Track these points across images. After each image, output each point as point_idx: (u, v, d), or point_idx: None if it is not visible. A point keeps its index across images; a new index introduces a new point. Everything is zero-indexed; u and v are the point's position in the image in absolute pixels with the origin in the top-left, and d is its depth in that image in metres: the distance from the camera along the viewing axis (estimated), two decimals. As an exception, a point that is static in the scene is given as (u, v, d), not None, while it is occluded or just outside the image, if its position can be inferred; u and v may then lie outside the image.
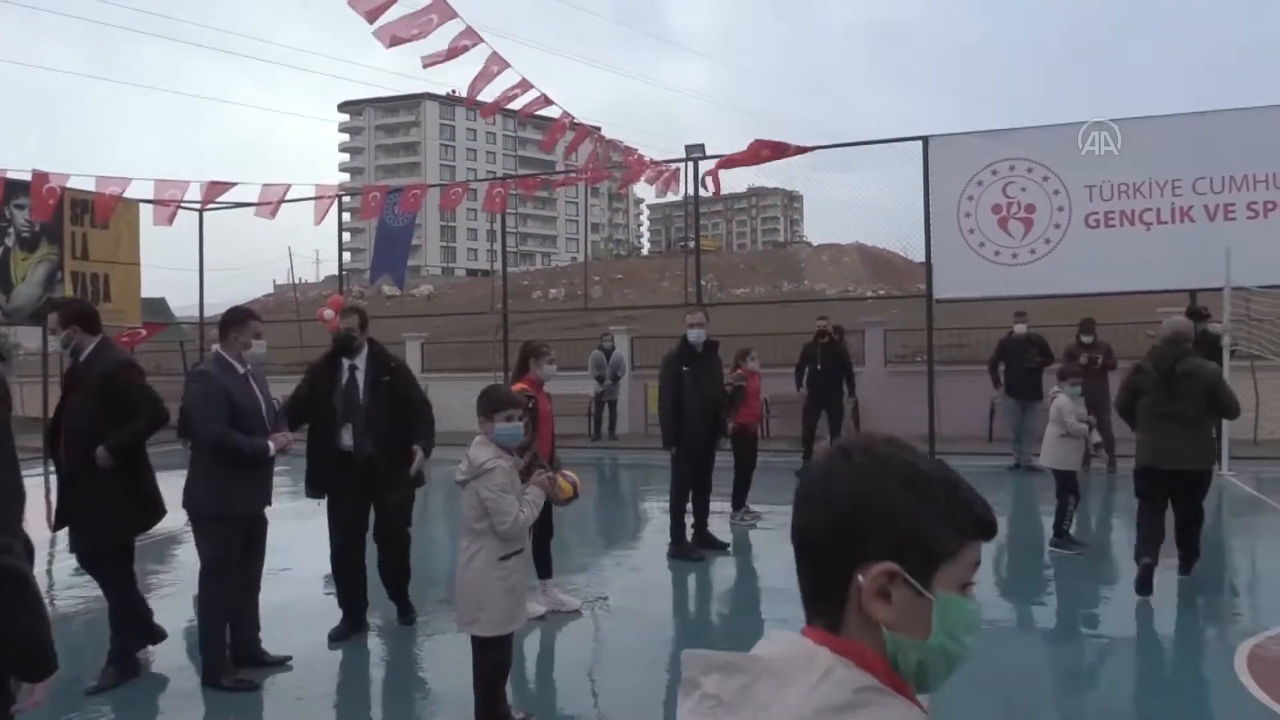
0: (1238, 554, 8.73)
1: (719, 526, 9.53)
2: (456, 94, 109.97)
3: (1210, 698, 4.88)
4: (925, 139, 14.07)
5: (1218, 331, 11.78)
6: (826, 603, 1.10)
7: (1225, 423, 11.65)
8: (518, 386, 6.07)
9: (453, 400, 13.76)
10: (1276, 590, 7.25)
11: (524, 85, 10.77)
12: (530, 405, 5.91)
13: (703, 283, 18.55)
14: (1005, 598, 6.91)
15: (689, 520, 8.28)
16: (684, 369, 8.14)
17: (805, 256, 78.35)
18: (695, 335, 8.22)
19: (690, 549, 8.09)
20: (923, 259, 14.30)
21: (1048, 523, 8.29)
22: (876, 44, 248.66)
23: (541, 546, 6.55)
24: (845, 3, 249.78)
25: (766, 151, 14.07)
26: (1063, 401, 7.96)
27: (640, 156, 14.78)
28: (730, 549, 8.40)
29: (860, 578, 1.07)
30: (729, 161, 14.30)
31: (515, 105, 11.15)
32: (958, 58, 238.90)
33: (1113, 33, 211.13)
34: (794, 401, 14.56)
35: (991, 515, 1.12)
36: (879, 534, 1.07)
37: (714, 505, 9.45)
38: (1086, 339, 12.07)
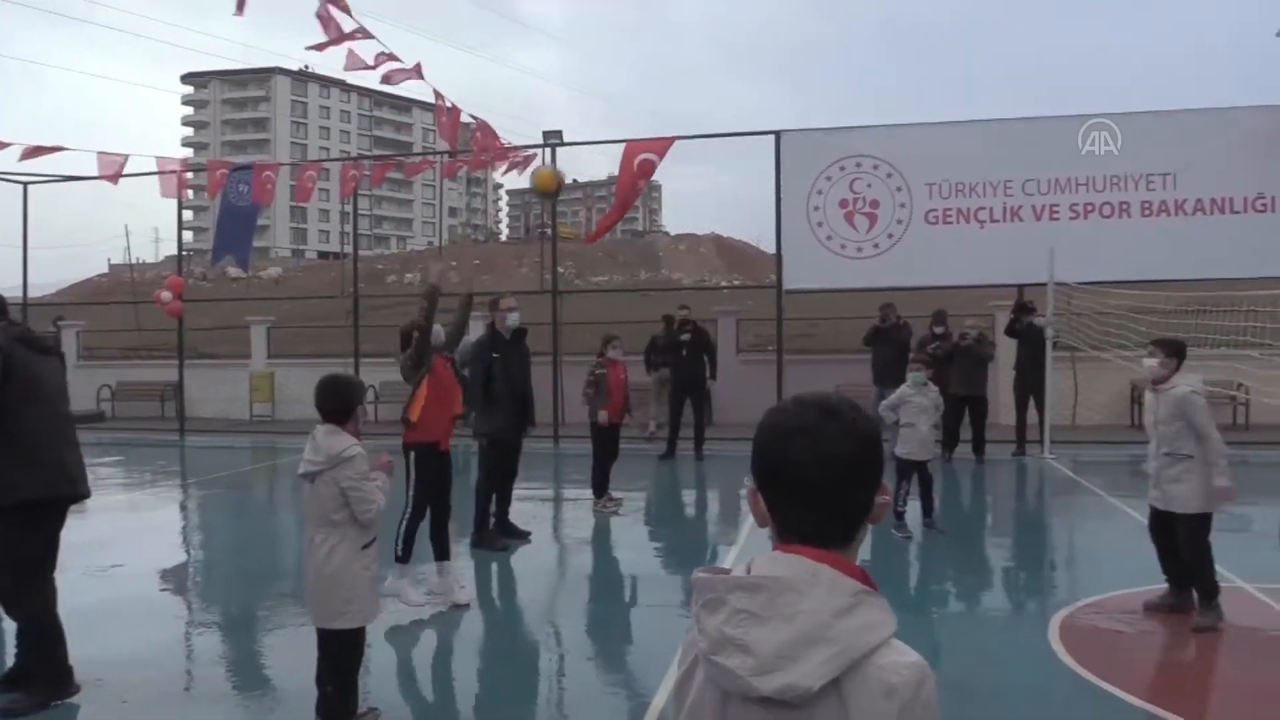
0: (1055, 532, 9.38)
1: (580, 514, 9.61)
2: (310, 69, 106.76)
3: (1024, 666, 5.22)
4: (777, 134, 14.45)
5: (1041, 324, 12.60)
6: (837, 525, 1.38)
7: (1046, 409, 12.56)
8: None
9: (299, 387, 13.33)
10: (1088, 564, 7.82)
11: (391, 57, 10.43)
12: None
13: (560, 270, 18.55)
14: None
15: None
16: (494, 356, 7.95)
17: (663, 246, 79.27)
18: (514, 319, 8.07)
19: (494, 538, 7.98)
20: (775, 251, 14.71)
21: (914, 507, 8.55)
22: (727, 37, 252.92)
23: (437, 525, 6.46)
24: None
25: (642, 181, 14.36)
26: (902, 390, 8.34)
27: (500, 141, 14.62)
28: (530, 538, 8.30)
29: (879, 500, 1.40)
30: (607, 223, 14.51)
31: (382, 70, 10.61)
32: (806, 54, 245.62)
33: (951, 38, 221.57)
34: (648, 389, 14.77)
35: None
36: (883, 466, 1.42)
37: (576, 493, 9.49)
38: (938, 329, 12.64)
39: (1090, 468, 11.66)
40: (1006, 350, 13.42)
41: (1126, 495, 9.50)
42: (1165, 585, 5.95)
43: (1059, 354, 12.91)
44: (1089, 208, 13.63)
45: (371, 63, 10.25)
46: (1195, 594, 5.70)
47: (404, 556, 6.31)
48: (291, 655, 5.24)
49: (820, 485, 1.36)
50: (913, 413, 8.26)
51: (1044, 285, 13.00)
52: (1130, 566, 6.60)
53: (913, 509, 8.34)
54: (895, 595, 6.80)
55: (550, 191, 6.49)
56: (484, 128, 13.43)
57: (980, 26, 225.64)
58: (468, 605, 6.34)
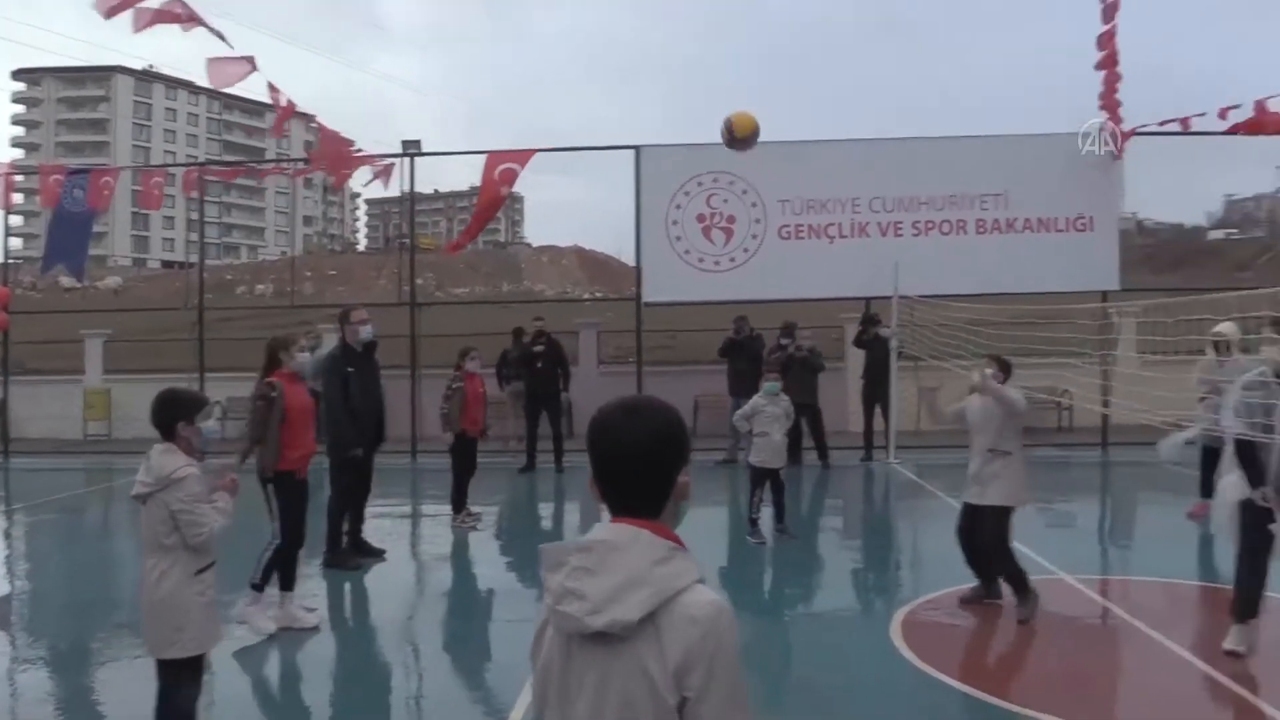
0: (898, 533, 9.83)
1: (438, 530, 9.49)
2: (154, 69, 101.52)
3: (869, 663, 5.46)
4: (637, 148, 14.65)
5: (886, 335, 13.19)
6: (646, 500, 1.71)
7: (892, 415, 13.15)
8: (271, 378, 6.15)
9: (138, 405, 12.65)
10: (928, 563, 8.23)
11: (250, 62, 10.02)
12: (274, 395, 6.08)
13: (420, 281, 18.26)
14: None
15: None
16: (349, 370, 7.74)
17: (526, 257, 78.89)
18: (367, 333, 7.89)
19: (347, 557, 7.80)
20: (635, 264, 14.89)
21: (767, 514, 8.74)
22: (590, 49, 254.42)
23: (290, 557, 6.24)
24: (555, 6, 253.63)
25: (505, 190, 14.30)
26: (755, 400, 8.57)
27: (356, 149, 14.31)
28: (385, 556, 8.17)
29: (681, 479, 1.72)
30: (469, 233, 14.44)
31: (231, 79, 10.16)
32: (669, 69, 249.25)
33: (804, 60, 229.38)
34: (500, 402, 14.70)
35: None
36: (683, 452, 1.73)
37: (434, 509, 9.35)
38: (785, 340, 13.04)
39: (932, 471, 12.25)
40: (855, 361, 13.97)
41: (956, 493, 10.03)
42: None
43: (903, 364, 13.53)
44: (929, 225, 14.37)
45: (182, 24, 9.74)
46: (1008, 587, 6.11)
47: (260, 585, 6.12)
48: (127, 689, 5.00)
49: (624, 470, 1.71)
50: (766, 422, 8.45)
51: (889, 299, 13.61)
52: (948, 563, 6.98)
53: (766, 515, 8.57)
54: (749, 600, 6.99)
55: (747, 136, 6.53)
56: (332, 137, 13.12)
57: (839, 49, 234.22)
58: (316, 628, 6.18)
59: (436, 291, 48.40)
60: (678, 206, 14.49)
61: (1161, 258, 51.29)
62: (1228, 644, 5.14)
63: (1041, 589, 6.09)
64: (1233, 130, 13.10)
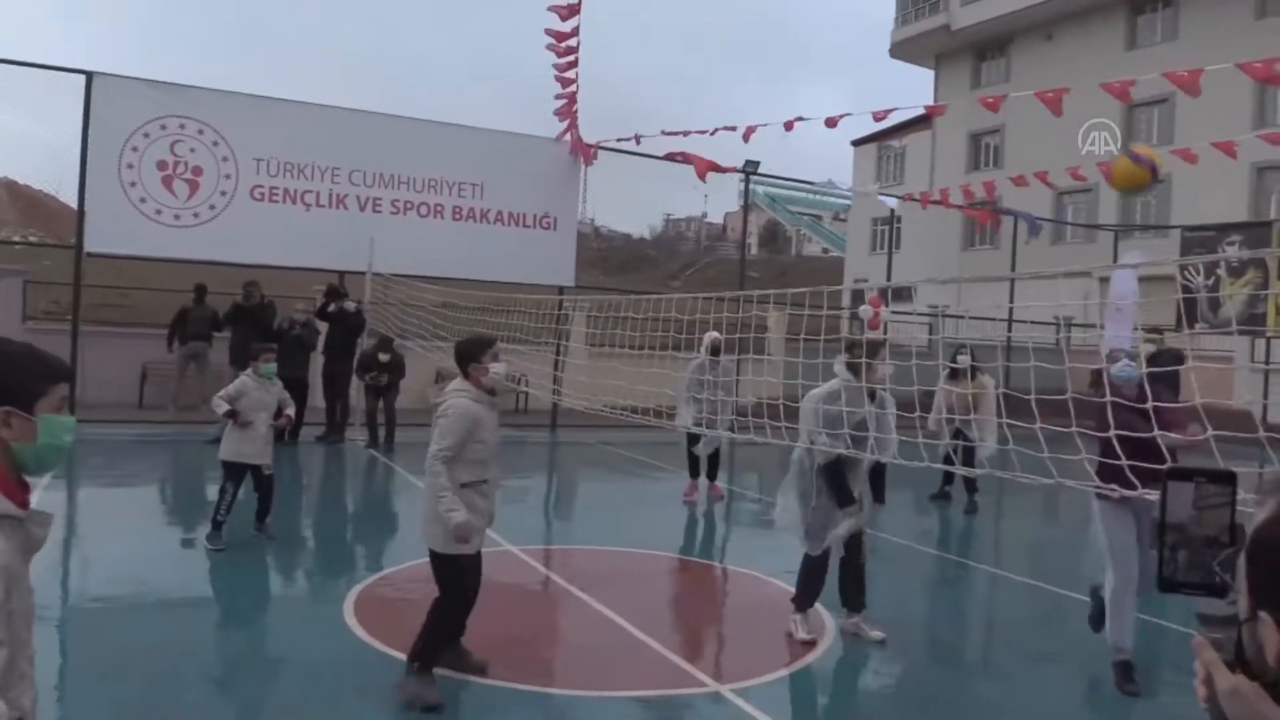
0: (360, 510, 9.81)
1: None
2: None
3: (323, 642, 5.37)
4: (89, 74, 12.82)
5: (351, 309, 12.88)
6: None
7: (353, 393, 13.04)
8: None
9: None
10: (386, 540, 8.35)
11: None
12: None
13: None
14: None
15: None
16: None
17: (-72, 183, 65.03)
18: None
19: None
20: (78, 206, 13.02)
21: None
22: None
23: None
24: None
25: None
26: (242, 380, 7.46)
27: None
28: None
29: None
30: None
31: None
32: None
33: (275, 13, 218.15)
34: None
35: (59, 365, 1.99)
36: None
37: None
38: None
39: (398, 450, 12.41)
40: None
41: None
42: None
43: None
44: (408, 205, 14.54)
45: None
46: None
47: None
48: None
49: None
50: (251, 407, 7.26)
51: (364, 273, 13.51)
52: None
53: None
54: (226, 611, 6.50)
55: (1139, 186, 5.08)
56: None
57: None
58: None
59: None
60: (134, 149, 12.99)
61: (611, 261, 57.57)
62: (801, 634, 5.64)
63: (492, 561, 6.45)
64: (669, 156, 15.09)
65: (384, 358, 12.39)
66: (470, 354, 4.71)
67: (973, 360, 9.84)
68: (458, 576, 4.60)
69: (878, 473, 5.81)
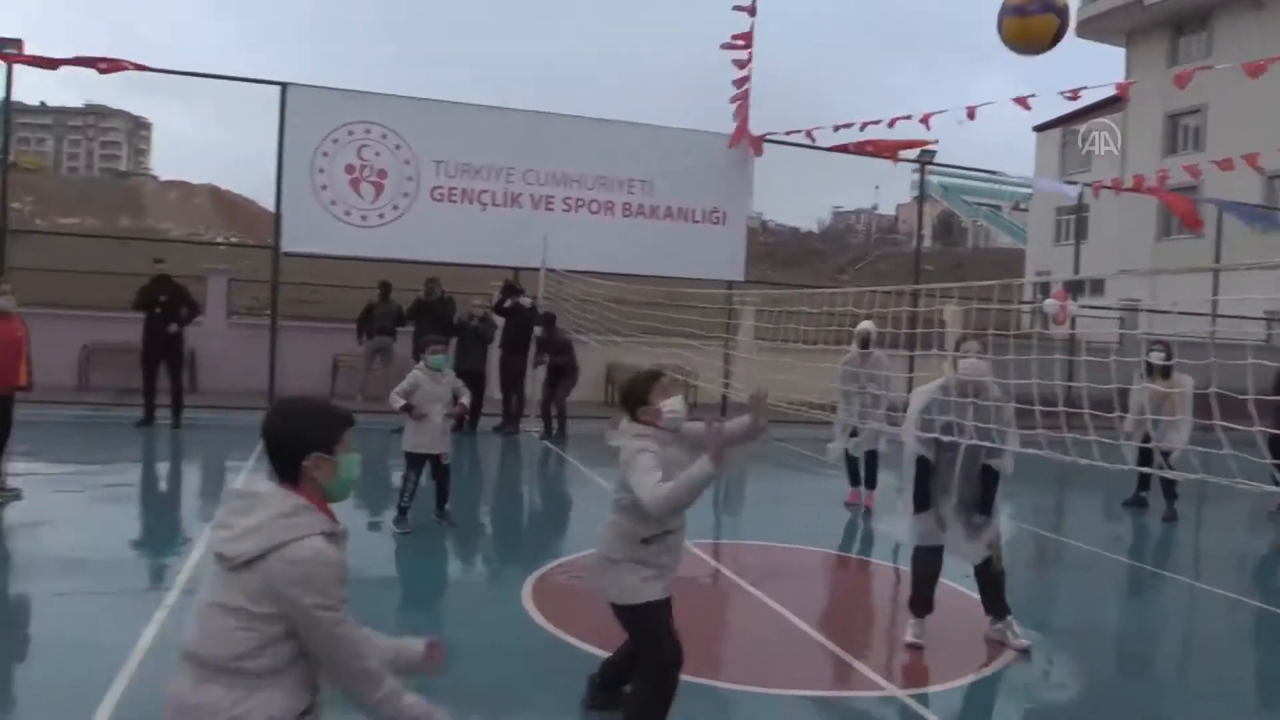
0: (537, 500, 10.05)
1: None
2: None
3: (500, 626, 5.52)
4: (284, 85, 13.67)
5: (527, 305, 13.23)
6: (289, 472, 2.38)
7: (528, 385, 13.36)
8: None
9: None
10: (562, 528, 8.52)
11: None
12: None
13: (17, 205, 15.80)
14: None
15: None
16: None
17: (151, 191, 71.41)
18: None
19: None
20: (275, 210, 13.92)
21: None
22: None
23: None
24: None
25: (103, 64, 12.56)
26: (415, 375, 7.62)
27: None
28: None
29: (305, 463, 2.37)
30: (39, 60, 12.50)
31: None
32: (319, 11, 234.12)
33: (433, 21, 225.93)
34: (122, 350, 13.25)
35: (344, 410, 2.55)
36: (308, 440, 2.38)
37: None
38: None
39: (570, 442, 12.66)
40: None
41: (597, 466, 10.49)
42: None
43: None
44: (579, 203, 14.81)
45: None
46: None
47: None
48: None
49: (267, 448, 2.42)
50: (426, 400, 7.45)
51: (537, 270, 13.85)
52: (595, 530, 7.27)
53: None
54: (408, 592, 6.80)
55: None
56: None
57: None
58: None
59: (38, 220, 42.37)
60: (325, 154, 13.75)
61: (779, 255, 56.95)
62: (908, 637, 5.48)
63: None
64: (841, 149, 14.76)
65: (538, 331, 12.70)
66: (636, 396, 3.89)
67: (1168, 357, 9.14)
68: (657, 627, 3.83)
69: (988, 480, 5.33)
